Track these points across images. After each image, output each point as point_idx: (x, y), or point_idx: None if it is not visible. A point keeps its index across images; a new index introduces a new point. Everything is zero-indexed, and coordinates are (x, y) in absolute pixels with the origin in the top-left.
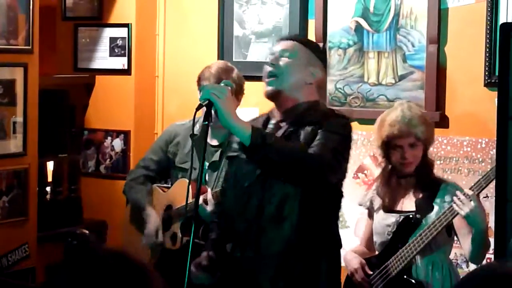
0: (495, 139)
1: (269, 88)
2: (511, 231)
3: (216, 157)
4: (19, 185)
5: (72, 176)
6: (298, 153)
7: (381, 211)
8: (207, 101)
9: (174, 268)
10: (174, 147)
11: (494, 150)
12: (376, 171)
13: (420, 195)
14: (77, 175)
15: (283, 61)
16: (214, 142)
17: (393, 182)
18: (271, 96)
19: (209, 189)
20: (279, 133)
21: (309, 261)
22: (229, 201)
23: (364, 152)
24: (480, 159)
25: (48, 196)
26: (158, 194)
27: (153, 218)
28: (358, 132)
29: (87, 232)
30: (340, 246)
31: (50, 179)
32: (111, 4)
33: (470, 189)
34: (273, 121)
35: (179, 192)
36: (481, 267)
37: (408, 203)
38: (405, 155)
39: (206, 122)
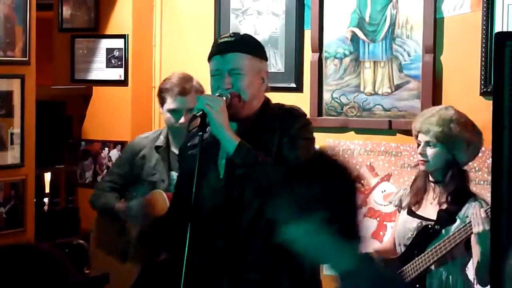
0: None
1: (232, 110)
2: (506, 240)
3: None
4: (17, 196)
5: (69, 187)
6: (279, 182)
7: (405, 212)
8: (201, 112)
9: (159, 280)
10: (140, 160)
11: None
12: (373, 181)
13: (445, 206)
14: (74, 186)
15: (237, 80)
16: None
17: (424, 185)
18: (235, 118)
19: None
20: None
21: (283, 270)
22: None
23: (361, 162)
24: (477, 168)
25: (45, 207)
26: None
27: (131, 203)
28: (355, 141)
29: (84, 242)
30: None
31: (47, 190)
32: (107, 15)
33: (485, 211)
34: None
35: (155, 204)
36: None
37: (431, 210)
38: (419, 151)
39: (201, 133)
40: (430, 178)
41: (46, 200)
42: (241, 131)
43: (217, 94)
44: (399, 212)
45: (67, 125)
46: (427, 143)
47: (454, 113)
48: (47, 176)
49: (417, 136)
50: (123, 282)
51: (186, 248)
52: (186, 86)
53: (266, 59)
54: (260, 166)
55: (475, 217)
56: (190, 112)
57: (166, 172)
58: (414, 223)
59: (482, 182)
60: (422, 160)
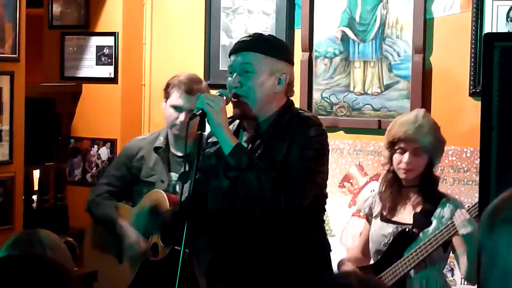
0: None
1: (238, 110)
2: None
3: (183, 168)
4: (5, 193)
5: (58, 184)
6: (269, 190)
7: (378, 219)
8: (200, 111)
9: (156, 279)
10: (138, 161)
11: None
12: (362, 180)
13: (419, 209)
14: (63, 184)
15: (247, 79)
16: (179, 153)
17: (395, 190)
18: (242, 117)
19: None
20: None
21: (296, 273)
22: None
23: (350, 161)
24: (465, 168)
25: (34, 204)
26: (127, 210)
27: (130, 229)
28: (344, 141)
29: (72, 240)
30: (326, 251)
31: (36, 187)
32: (98, 12)
33: (467, 211)
34: (244, 137)
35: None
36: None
37: (406, 215)
38: (405, 160)
39: (200, 132)
40: (404, 183)
41: (34, 197)
42: (253, 136)
43: (217, 94)
44: (369, 220)
45: (57, 123)
46: (415, 152)
47: (432, 119)
48: (36, 174)
49: (395, 143)
50: (114, 280)
51: (182, 247)
52: (194, 86)
53: (286, 60)
54: (252, 171)
55: (459, 219)
56: (191, 112)
57: (166, 173)
58: (390, 228)
59: (470, 183)
60: (406, 169)
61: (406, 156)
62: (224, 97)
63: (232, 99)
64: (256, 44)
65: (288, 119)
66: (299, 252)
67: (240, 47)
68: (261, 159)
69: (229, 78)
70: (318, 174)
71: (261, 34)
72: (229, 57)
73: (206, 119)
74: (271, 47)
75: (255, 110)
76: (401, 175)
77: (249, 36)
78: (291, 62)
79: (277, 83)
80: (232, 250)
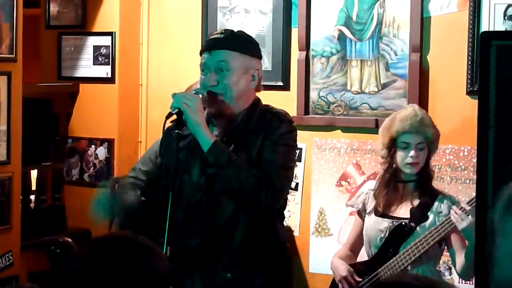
0: None
1: (215, 108)
2: (491, 236)
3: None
4: (3, 193)
5: (56, 184)
6: (250, 186)
7: (373, 215)
8: (177, 110)
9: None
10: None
11: None
12: (359, 179)
13: (416, 203)
14: (61, 184)
15: (223, 77)
16: None
17: (391, 186)
18: (219, 115)
19: None
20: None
21: (257, 270)
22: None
23: (347, 160)
24: (463, 167)
25: (32, 204)
26: None
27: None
28: (341, 140)
29: (70, 240)
30: (286, 248)
31: (34, 187)
32: (95, 12)
33: (467, 204)
34: (216, 131)
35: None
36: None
37: (402, 210)
38: (413, 154)
39: (178, 131)
40: (402, 177)
41: (32, 197)
42: (226, 132)
43: (193, 92)
44: (361, 216)
45: (54, 122)
46: (419, 145)
47: (426, 112)
48: (34, 174)
49: (396, 139)
50: None
51: (165, 243)
52: None
53: (258, 56)
54: (231, 168)
55: (454, 215)
56: None
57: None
58: (385, 223)
59: (467, 181)
60: (414, 163)
61: (412, 151)
62: (200, 96)
63: (207, 97)
64: (230, 41)
65: (260, 113)
66: (265, 248)
67: (214, 45)
68: (236, 154)
69: (202, 76)
70: (290, 170)
71: (232, 30)
72: (201, 54)
73: (183, 118)
74: (244, 44)
75: (231, 107)
76: (407, 170)
77: (221, 33)
78: (261, 57)
79: (251, 79)
80: (203, 245)
